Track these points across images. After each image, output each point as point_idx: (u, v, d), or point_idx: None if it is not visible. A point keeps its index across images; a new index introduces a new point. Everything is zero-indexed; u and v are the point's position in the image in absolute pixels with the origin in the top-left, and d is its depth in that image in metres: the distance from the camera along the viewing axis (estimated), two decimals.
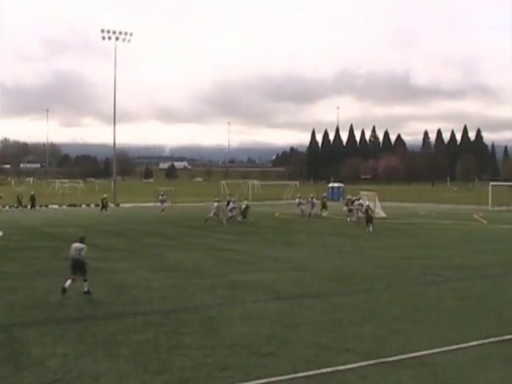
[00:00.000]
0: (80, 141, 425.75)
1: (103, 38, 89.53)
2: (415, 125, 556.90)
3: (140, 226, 49.24)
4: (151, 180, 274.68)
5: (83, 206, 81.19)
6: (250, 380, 11.67)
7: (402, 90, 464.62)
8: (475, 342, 14.38)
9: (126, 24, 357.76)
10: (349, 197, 59.46)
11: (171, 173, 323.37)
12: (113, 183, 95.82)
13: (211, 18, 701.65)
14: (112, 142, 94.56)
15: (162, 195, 69.56)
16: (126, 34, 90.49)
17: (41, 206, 77.96)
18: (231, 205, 54.60)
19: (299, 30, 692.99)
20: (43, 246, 34.59)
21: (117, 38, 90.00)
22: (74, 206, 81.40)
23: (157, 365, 12.67)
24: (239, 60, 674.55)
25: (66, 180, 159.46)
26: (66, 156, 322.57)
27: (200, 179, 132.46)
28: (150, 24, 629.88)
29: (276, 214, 56.32)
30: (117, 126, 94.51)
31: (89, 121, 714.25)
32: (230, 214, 53.08)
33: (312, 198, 61.34)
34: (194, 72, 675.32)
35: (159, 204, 66.54)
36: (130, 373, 12.17)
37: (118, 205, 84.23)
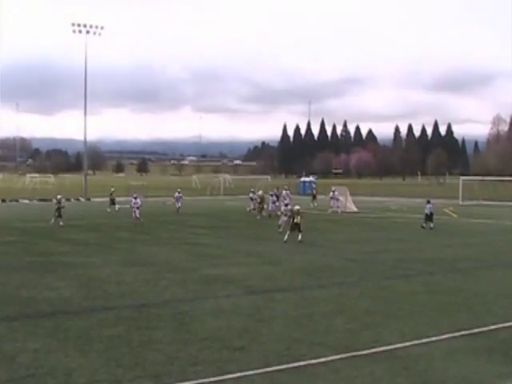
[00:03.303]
0: (51, 135, 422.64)
1: (74, 31, 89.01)
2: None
3: (111, 220, 48.99)
4: (122, 174, 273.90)
5: (54, 200, 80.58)
6: (223, 374, 11.65)
7: None
8: (446, 335, 14.47)
9: (97, 17, 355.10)
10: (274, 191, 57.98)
11: (143, 167, 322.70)
12: (84, 177, 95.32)
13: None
14: (83, 136, 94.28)
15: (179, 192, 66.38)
16: (96, 27, 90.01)
17: (11, 200, 77.32)
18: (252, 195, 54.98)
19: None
20: (14, 241, 34.25)
21: (87, 32, 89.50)
22: (45, 200, 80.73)
23: (129, 360, 12.61)
24: (213, 50, 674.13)
25: (37, 174, 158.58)
26: (37, 150, 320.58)
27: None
28: (122, 16, 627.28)
29: (247, 209, 56.21)
30: (88, 119, 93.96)
31: (60, 115, 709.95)
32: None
33: (272, 195, 55.70)
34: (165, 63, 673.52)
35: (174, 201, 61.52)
36: (102, 368, 12.10)
37: (89, 199, 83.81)
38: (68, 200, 73.42)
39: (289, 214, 38.01)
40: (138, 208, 45.59)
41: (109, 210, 59.80)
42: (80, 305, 18.07)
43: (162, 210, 57.39)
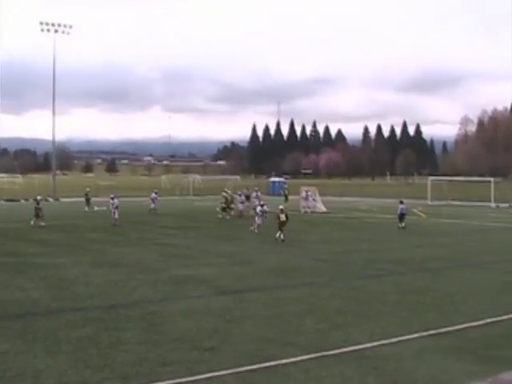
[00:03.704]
0: (19, 135, 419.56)
1: (42, 30, 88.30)
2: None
3: (81, 221, 48.66)
4: (92, 174, 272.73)
5: (22, 201, 79.90)
6: (193, 375, 11.61)
7: None
8: (416, 335, 14.55)
9: (66, 16, 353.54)
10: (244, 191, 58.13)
11: (112, 167, 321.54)
12: (52, 177, 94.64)
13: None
14: (52, 135, 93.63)
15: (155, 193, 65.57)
16: (65, 26, 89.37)
17: None
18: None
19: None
20: None
21: (56, 31, 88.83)
22: (13, 201, 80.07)
23: (97, 361, 12.52)
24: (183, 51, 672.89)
25: (5, 175, 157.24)
26: (5, 150, 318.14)
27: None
28: (92, 16, 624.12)
29: (217, 209, 56.16)
30: (57, 119, 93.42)
31: (29, 115, 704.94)
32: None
33: (241, 195, 55.70)
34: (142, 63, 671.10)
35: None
36: (70, 369, 12.00)
37: (58, 199, 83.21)
38: (26, 200, 73.01)
39: (265, 214, 38.17)
40: (116, 208, 45.37)
41: (87, 209, 59.99)
42: (49, 306, 17.92)
43: (132, 211, 57.12)
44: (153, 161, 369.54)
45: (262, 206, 40.80)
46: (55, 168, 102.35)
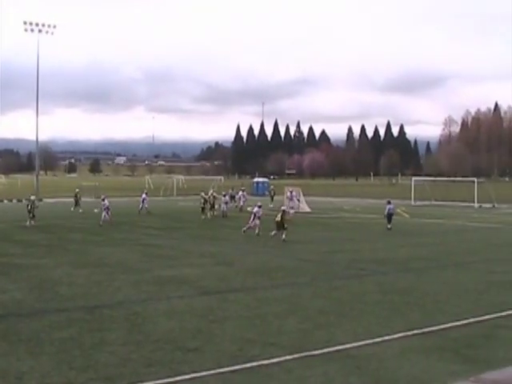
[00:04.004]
0: (2, 135, 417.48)
1: (26, 30, 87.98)
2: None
3: (64, 221, 48.50)
4: (75, 175, 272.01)
5: (5, 201, 79.60)
6: (176, 375, 11.61)
7: None
8: (399, 335, 14.59)
9: (50, 16, 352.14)
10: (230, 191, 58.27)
11: (95, 167, 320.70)
12: (35, 178, 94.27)
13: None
14: (35, 136, 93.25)
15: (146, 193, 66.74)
16: (49, 26, 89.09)
17: None
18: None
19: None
20: None
21: (39, 31, 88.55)
22: None
23: (81, 362, 12.49)
24: (167, 51, 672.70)
25: None
26: None
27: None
28: (75, 16, 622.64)
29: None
30: (40, 119, 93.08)
31: (12, 115, 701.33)
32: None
33: (225, 195, 55.99)
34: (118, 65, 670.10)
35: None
36: (54, 370, 11.97)
37: (41, 200, 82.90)
38: (19, 201, 72.72)
39: (258, 215, 37.99)
40: (107, 209, 45.51)
41: (81, 210, 59.77)
42: (32, 307, 17.86)
43: (116, 211, 56.95)
44: (123, 161, 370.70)
45: (259, 207, 39.41)
46: (38, 168, 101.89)
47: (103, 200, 46.25)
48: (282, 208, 37.39)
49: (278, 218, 35.19)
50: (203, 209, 52.47)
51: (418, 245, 33.99)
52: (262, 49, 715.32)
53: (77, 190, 64.11)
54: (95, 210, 58.08)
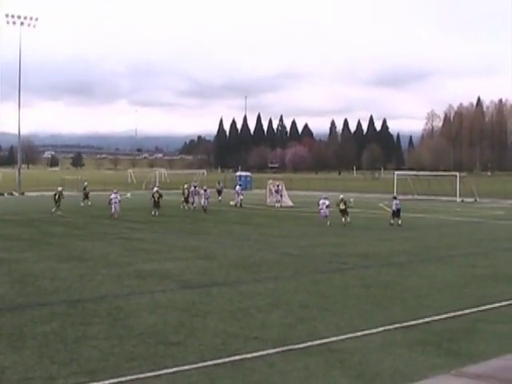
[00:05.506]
0: None
1: (7, 22, 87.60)
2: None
3: (46, 215, 48.26)
4: (57, 168, 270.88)
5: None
6: (159, 369, 11.59)
7: None
8: (381, 329, 14.63)
9: (32, 9, 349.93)
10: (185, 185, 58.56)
11: (77, 161, 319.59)
12: (17, 171, 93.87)
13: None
14: (17, 129, 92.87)
15: (218, 183, 69.39)
16: (31, 18, 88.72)
17: None
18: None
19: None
20: None
21: (21, 23, 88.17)
22: None
23: (63, 356, 12.46)
24: (150, 44, 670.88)
25: None
26: None
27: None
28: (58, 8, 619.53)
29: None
30: (22, 112, 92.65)
31: None
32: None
33: (206, 190, 54.71)
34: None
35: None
36: (36, 365, 11.92)
37: (23, 193, 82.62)
38: (1, 194, 72.40)
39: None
40: (116, 203, 46.96)
41: (82, 204, 59.96)
42: (13, 301, 17.78)
43: (98, 205, 56.78)
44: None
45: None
46: (21, 162, 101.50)
47: (115, 194, 47.50)
48: (341, 197, 42.47)
49: (342, 206, 41.03)
50: (186, 200, 53.48)
51: (400, 239, 34.07)
52: (245, 43, 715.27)
53: (85, 183, 63.71)
54: (81, 204, 58.13)
